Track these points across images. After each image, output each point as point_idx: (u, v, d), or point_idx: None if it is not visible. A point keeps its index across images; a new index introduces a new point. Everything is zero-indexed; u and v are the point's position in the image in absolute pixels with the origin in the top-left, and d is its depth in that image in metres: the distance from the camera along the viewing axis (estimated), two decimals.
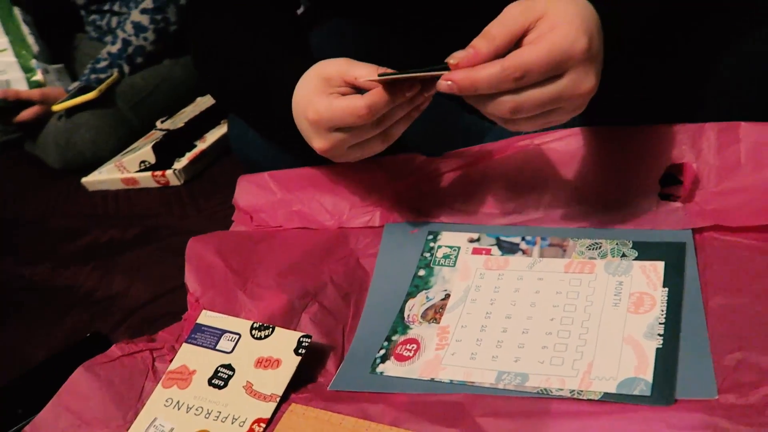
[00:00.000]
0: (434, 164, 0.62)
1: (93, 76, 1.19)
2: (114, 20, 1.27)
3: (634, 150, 0.53)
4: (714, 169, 0.51)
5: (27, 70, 1.24)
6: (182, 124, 1.06)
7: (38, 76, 1.24)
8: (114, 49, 1.20)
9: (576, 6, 0.41)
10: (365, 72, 0.48)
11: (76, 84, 1.20)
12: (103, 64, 1.19)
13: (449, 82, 0.42)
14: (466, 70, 0.42)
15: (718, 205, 0.50)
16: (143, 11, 1.19)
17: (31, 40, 1.27)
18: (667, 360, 0.41)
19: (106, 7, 1.27)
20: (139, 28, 1.19)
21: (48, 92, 1.20)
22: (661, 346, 0.42)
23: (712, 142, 0.51)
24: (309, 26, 0.73)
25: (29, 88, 1.23)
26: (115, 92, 1.18)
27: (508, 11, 0.42)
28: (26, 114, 1.20)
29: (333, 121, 0.48)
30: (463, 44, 0.44)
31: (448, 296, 0.53)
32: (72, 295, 0.79)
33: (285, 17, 0.66)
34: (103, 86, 1.14)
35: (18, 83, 1.22)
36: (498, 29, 0.42)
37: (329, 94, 0.49)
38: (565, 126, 0.58)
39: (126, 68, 1.21)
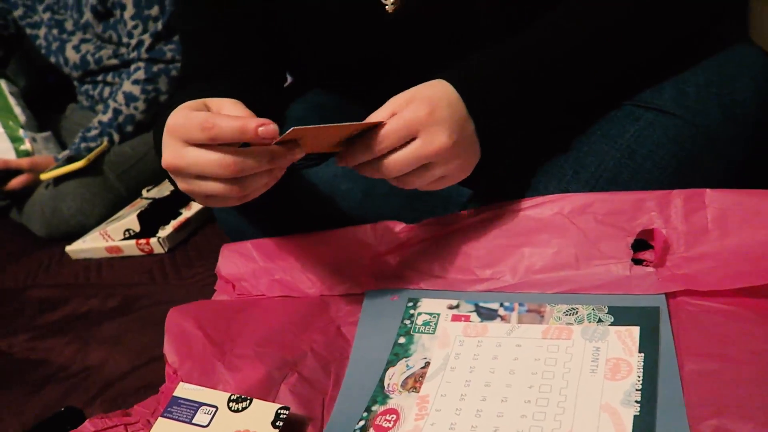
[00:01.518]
0: (414, 231, 0.63)
1: (83, 145, 1.21)
2: (106, 90, 1.31)
3: (606, 216, 0.55)
4: (682, 234, 0.52)
5: (15, 139, 1.26)
6: (168, 193, 1.08)
7: (26, 145, 1.27)
8: (105, 118, 1.23)
9: (430, 87, 0.52)
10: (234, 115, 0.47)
11: (66, 152, 1.21)
12: (93, 132, 1.22)
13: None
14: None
15: (688, 270, 0.51)
16: (135, 82, 1.22)
17: (17, 110, 1.30)
18: (644, 428, 0.41)
19: (100, 78, 1.31)
20: (130, 98, 1.22)
21: (37, 161, 1.22)
22: (638, 413, 0.42)
23: (679, 209, 0.53)
24: (292, 95, 0.75)
25: (17, 157, 1.24)
26: (103, 161, 1.20)
27: (391, 100, 0.52)
28: (15, 182, 1.21)
29: (186, 136, 0.46)
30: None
31: (428, 364, 0.53)
32: (47, 368, 0.78)
33: (269, 94, 0.69)
34: (91, 155, 1.16)
35: (6, 153, 1.24)
36: (376, 114, 0.51)
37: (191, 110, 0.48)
38: (539, 193, 0.60)
39: (116, 137, 1.23)
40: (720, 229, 0.51)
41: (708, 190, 0.52)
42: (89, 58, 1.28)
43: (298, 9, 0.64)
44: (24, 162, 1.21)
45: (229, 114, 0.47)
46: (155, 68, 1.23)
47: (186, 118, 0.46)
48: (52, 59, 1.33)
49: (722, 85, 0.56)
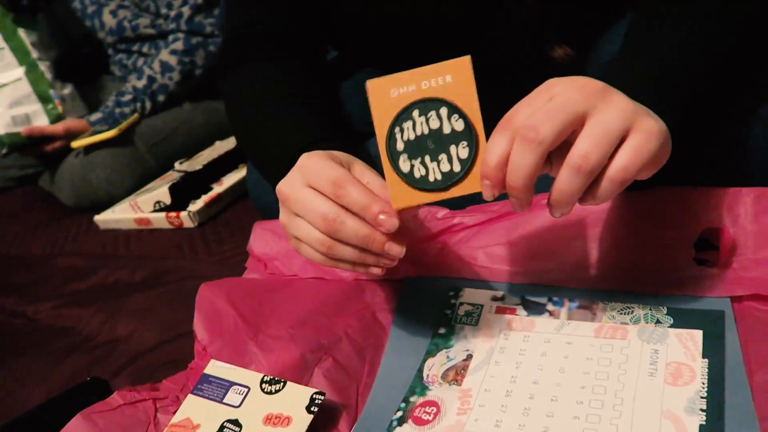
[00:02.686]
0: (457, 218, 0.61)
1: (117, 110, 1.20)
2: (140, 60, 1.30)
3: (668, 212, 0.51)
4: (752, 235, 0.49)
5: (45, 100, 1.24)
6: (200, 167, 1.06)
7: (57, 107, 1.24)
8: (139, 84, 1.22)
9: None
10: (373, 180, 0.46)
11: (97, 114, 1.20)
12: (127, 97, 1.21)
13: (487, 182, 0.41)
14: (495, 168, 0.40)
15: (757, 273, 0.48)
16: (172, 52, 1.21)
17: (42, 66, 1.26)
18: None
19: (135, 48, 1.30)
20: (166, 67, 1.21)
21: (71, 125, 1.20)
22: (704, 423, 0.39)
23: (749, 208, 0.49)
24: (339, 73, 0.73)
25: (49, 120, 1.23)
26: (134, 132, 1.19)
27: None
28: (50, 149, 1.19)
29: (313, 180, 0.45)
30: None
31: (470, 357, 0.51)
32: (74, 337, 0.77)
33: (317, 72, 0.67)
34: (123, 125, 1.15)
35: (37, 116, 1.22)
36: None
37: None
38: None
39: (148, 104, 1.22)
40: None
41: None
42: (126, 24, 1.27)
43: None
44: (59, 128, 1.19)
45: (363, 184, 0.44)
46: (194, 41, 1.22)
47: (322, 166, 0.45)
48: (88, 23, 1.32)
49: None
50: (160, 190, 1.01)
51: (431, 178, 0.42)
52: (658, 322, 0.48)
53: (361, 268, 0.46)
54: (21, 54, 1.23)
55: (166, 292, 0.81)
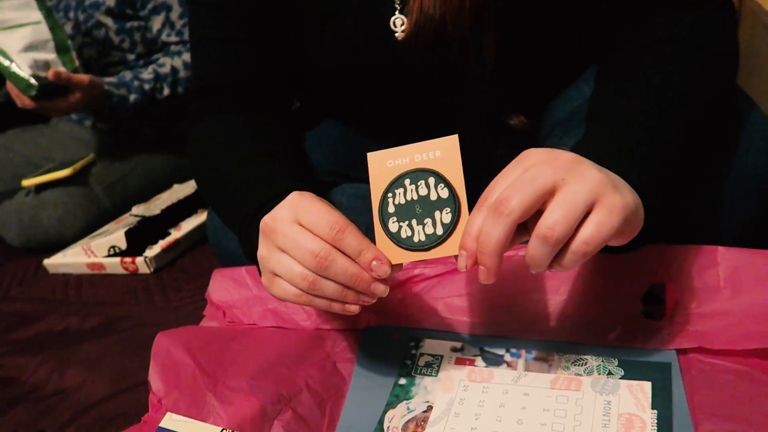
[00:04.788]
0: (417, 269, 0.62)
1: (136, 83, 1.16)
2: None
3: (618, 267, 0.54)
4: (694, 291, 0.52)
5: (62, 50, 1.13)
6: (158, 211, 1.05)
7: (75, 61, 1.14)
8: (163, 70, 1.18)
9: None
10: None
11: (111, 79, 1.14)
12: (148, 75, 1.17)
13: (464, 253, 0.43)
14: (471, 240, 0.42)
15: (700, 327, 0.51)
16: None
17: (57, 16, 1.17)
18: None
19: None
20: (189, 65, 1.18)
21: (94, 80, 1.10)
22: None
23: (693, 264, 0.53)
24: (303, 123, 0.75)
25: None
26: (89, 172, 1.16)
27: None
28: (73, 100, 1.08)
29: (306, 220, 0.46)
30: None
31: (430, 408, 0.51)
32: (18, 388, 0.73)
33: (282, 122, 0.68)
34: (78, 165, 1.12)
35: (55, 66, 1.11)
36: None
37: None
38: None
39: (166, 90, 1.18)
40: (732, 287, 0.51)
41: (720, 247, 0.52)
42: (93, 65, 1.25)
43: (310, 31, 0.65)
44: (84, 78, 1.08)
45: (359, 230, 0.46)
46: None
47: (318, 208, 0.46)
48: None
49: (733, 146, 0.56)
50: (115, 235, 0.99)
51: (416, 239, 0.45)
52: (610, 373, 0.50)
53: (337, 306, 0.47)
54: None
55: (119, 341, 0.79)
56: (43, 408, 0.68)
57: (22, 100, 1.09)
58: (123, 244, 0.98)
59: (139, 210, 1.09)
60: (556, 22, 0.61)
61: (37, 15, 1.12)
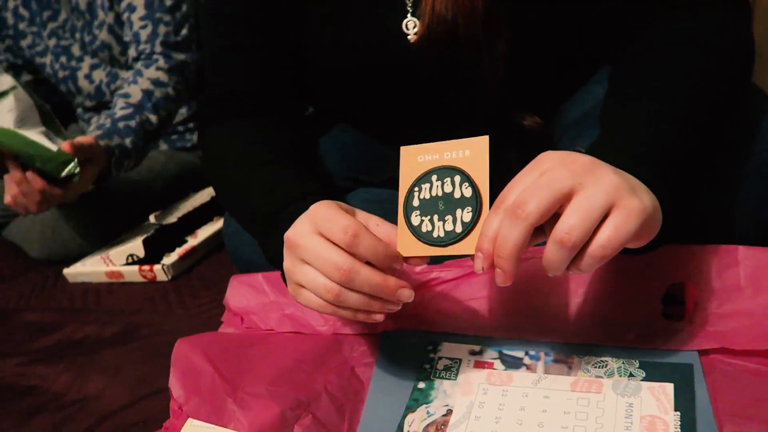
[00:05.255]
0: (434, 272, 0.62)
1: (122, 124, 1.04)
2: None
3: (637, 268, 0.54)
4: (714, 291, 0.51)
5: (48, 118, 1.01)
6: (175, 220, 1.06)
7: (60, 127, 1.03)
8: (135, 100, 1.07)
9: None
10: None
11: (98, 132, 1.00)
12: (125, 111, 1.06)
13: (480, 255, 0.43)
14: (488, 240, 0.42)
15: (721, 328, 0.50)
16: (158, 69, 1.12)
17: (48, 143, 0.95)
18: None
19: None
20: (158, 83, 1.11)
21: (96, 142, 0.97)
22: None
23: (713, 264, 0.52)
24: (316, 129, 0.75)
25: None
26: (106, 189, 1.18)
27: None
28: (86, 176, 0.95)
29: (324, 227, 0.46)
30: None
31: (450, 412, 0.51)
32: (39, 397, 0.74)
33: (295, 128, 0.69)
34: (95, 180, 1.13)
35: (47, 139, 0.96)
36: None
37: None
38: None
39: (153, 117, 1.08)
40: (753, 287, 0.50)
41: (741, 246, 0.52)
42: (104, 89, 1.24)
43: (321, 36, 0.65)
44: (94, 142, 0.96)
45: (372, 233, 0.46)
46: (175, 58, 1.12)
47: (333, 215, 0.46)
48: (63, 88, 1.30)
49: (751, 145, 0.56)
50: (133, 243, 1.00)
51: (435, 234, 0.46)
52: (631, 375, 0.49)
53: (362, 315, 0.47)
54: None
55: (139, 348, 0.79)
56: (64, 416, 0.69)
57: (47, 196, 0.92)
58: (141, 253, 0.99)
59: (156, 218, 1.10)
60: (566, 20, 0.61)
61: (8, 79, 0.96)
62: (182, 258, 0.99)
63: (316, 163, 0.72)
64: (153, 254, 1.00)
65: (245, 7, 0.65)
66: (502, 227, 0.41)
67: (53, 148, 0.90)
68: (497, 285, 0.43)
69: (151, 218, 1.11)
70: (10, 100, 0.94)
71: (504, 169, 0.74)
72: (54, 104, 1.45)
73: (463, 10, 0.57)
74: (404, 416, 0.52)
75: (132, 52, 1.15)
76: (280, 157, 0.62)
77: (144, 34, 1.12)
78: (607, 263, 0.54)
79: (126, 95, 1.07)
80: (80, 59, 1.25)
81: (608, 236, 0.39)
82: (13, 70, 1.35)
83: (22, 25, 1.28)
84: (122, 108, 1.05)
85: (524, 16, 0.59)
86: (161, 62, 1.11)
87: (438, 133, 0.72)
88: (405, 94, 0.67)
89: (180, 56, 1.14)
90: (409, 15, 0.62)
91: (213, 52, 0.68)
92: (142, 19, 1.12)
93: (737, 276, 0.51)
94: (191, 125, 1.29)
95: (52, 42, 1.26)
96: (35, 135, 0.91)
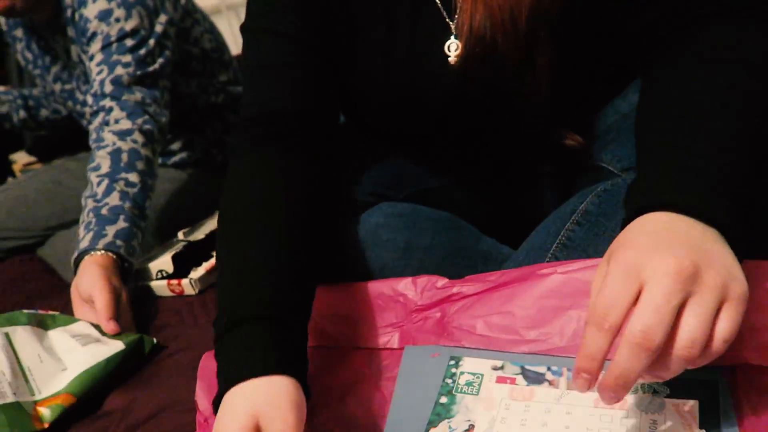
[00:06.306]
0: (456, 287, 0.62)
1: (107, 204, 0.94)
2: None
3: None
4: None
5: None
6: (203, 236, 1.08)
7: None
8: (104, 169, 0.97)
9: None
10: None
11: (85, 240, 0.91)
12: (101, 186, 0.96)
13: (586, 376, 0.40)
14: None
15: (747, 343, 0.49)
16: (117, 121, 1.01)
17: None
18: None
19: None
20: (122, 133, 0.99)
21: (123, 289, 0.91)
22: None
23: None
24: (345, 142, 0.75)
25: None
26: None
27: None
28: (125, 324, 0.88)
29: None
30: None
31: (472, 427, 0.51)
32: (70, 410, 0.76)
33: (324, 156, 0.65)
34: None
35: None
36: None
37: None
38: (589, 255, 0.60)
39: (132, 176, 0.97)
40: None
41: (765, 261, 0.51)
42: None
43: (368, 56, 0.65)
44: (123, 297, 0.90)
45: None
46: (131, 101, 1.00)
47: (284, 422, 0.46)
48: (69, 104, 1.28)
49: None
50: (162, 259, 1.03)
51: None
52: (655, 391, 0.49)
53: None
54: None
55: (165, 361, 0.81)
56: (94, 429, 0.71)
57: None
58: (170, 268, 1.02)
59: (184, 235, 1.13)
60: (605, 35, 0.60)
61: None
62: (209, 272, 1.01)
63: (342, 172, 0.71)
64: (181, 269, 1.02)
65: (292, 23, 0.63)
66: (624, 358, 0.38)
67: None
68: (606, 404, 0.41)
69: (180, 235, 1.13)
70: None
71: (537, 182, 0.74)
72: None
73: (503, 30, 0.56)
74: (426, 431, 0.52)
75: (87, 106, 1.03)
76: (290, 221, 0.58)
77: (98, 80, 1.01)
78: None
79: (96, 168, 0.97)
80: (84, 103, 1.21)
81: (729, 330, 0.39)
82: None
83: (30, 68, 1.27)
84: (98, 185, 0.95)
85: (564, 33, 0.59)
86: (116, 111, 0.99)
87: (477, 151, 0.72)
88: (446, 115, 0.67)
89: (139, 94, 1.01)
90: (452, 37, 0.62)
91: (253, 70, 0.65)
92: (98, 64, 1.01)
93: (765, 291, 0.50)
94: (214, 151, 1.31)
95: (57, 87, 1.24)
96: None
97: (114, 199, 0.94)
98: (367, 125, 0.75)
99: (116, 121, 0.99)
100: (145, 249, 1.09)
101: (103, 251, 0.89)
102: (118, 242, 0.91)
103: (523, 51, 0.58)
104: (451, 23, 0.62)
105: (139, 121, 0.99)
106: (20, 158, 2.01)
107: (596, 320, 0.39)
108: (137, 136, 0.98)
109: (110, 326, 0.83)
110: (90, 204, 0.94)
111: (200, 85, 1.25)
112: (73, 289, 0.90)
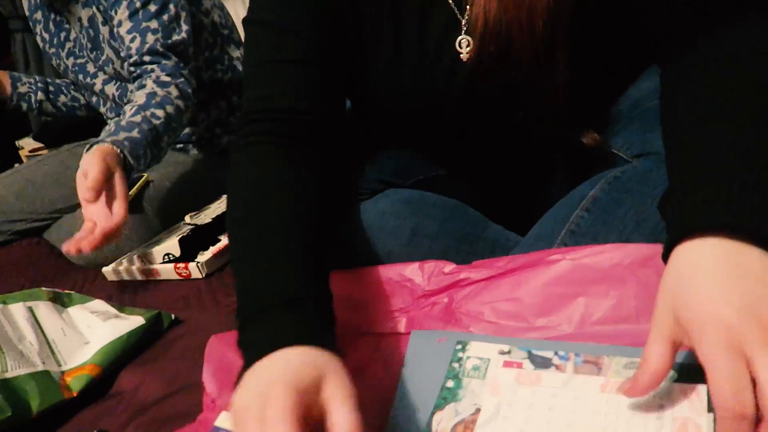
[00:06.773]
0: (463, 273, 0.62)
1: (129, 119, 1.05)
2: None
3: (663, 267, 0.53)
4: None
5: None
6: (209, 220, 1.08)
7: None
8: (141, 100, 1.08)
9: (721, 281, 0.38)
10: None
11: (116, 134, 1.01)
12: (137, 116, 1.06)
13: None
14: None
15: None
16: (156, 81, 1.12)
17: None
18: None
19: None
20: (161, 84, 1.11)
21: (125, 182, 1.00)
22: None
23: None
24: (352, 131, 0.75)
25: None
26: (143, 196, 1.20)
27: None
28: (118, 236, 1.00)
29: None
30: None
31: (478, 411, 0.51)
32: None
33: (329, 154, 0.64)
34: (133, 190, 1.16)
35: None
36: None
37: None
38: (598, 242, 0.59)
39: (160, 113, 1.07)
40: None
41: None
42: (118, 102, 1.26)
43: (377, 51, 0.64)
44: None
45: None
46: (170, 65, 1.11)
47: (283, 414, 0.40)
48: (94, 102, 1.34)
49: None
50: (169, 243, 1.03)
51: None
52: None
53: None
54: None
55: (173, 344, 0.82)
56: (102, 409, 0.71)
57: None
58: (177, 252, 1.02)
59: (191, 219, 1.13)
60: (622, 30, 0.59)
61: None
62: (216, 256, 1.01)
63: (350, 159, 0.71)
64: (188, 253, 1.02)
65: (300, 18, 0.61)
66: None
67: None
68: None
69: (187, 218, 1.14)
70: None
71: (550, 167, 0.73)
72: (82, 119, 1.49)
73: (519, 28, 0.55)
74: (432, 415, 0.52)
75: (128, 68, 1.14)
76: (296, 214, 0.57)
77: (134, 48, 1.11)
78: (636, 261, 0.54)
79: (130, 101, 1.09)
80: (95, 75, 1.27)
81: None
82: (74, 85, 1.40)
83: (47, 47, 1.31)
84: (128, 111, 1.06)
85: (579, 29, 0.57)
86: (157, 71, 1.11)
87: (488, 148, 0.72)
88: (457, 113, 0.67)
89: (174, 59, 1.12)
90: (463, 33, 0.61)
91: (257, 65, 0.63)
92: (129, 32, 1.11)
93: None
94: (218, 131, 1.31)
95: (70, 62, 1.29)
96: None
97: (136, 119, 1.04)
98: (375, 119, 0.74)
99: (157, 77, 1.10)
100: (150, 232, 1.10)
101: (109, 143, 0.98)
102: (126, 143, 0.99)
103: (540, 49, 0.57)
104: (462, 19, 0.61)
105: (177, 80, 1.11)
106: (27, 144, 2.02)
107: (737, 414, 0.37)
108: (173, 90, 1.10)
109: (89, 195, 0.92)
110: (112, 123, 1.04)
111: (210, 60, 1.27)
112: (78, 173, 0.97)
